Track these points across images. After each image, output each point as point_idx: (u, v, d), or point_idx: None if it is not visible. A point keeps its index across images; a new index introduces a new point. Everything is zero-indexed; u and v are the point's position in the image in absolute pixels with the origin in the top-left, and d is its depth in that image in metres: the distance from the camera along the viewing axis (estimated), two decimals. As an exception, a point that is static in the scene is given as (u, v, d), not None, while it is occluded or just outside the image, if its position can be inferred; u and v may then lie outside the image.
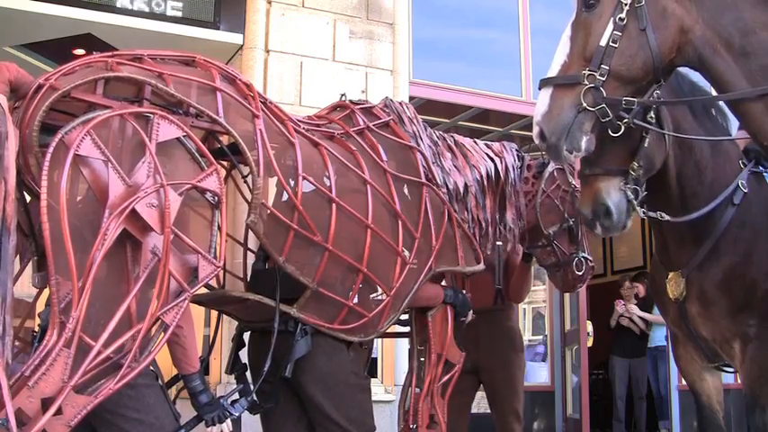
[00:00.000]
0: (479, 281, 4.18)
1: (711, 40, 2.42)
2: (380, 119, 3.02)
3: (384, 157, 2.87)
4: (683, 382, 3.55)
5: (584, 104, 2.43)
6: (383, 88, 6.20)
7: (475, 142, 3.38)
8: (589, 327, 8.23)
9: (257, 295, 2.61)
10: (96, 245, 2.01)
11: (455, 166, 3.13)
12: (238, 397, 2.56)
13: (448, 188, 3.03)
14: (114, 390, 2.06)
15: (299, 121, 2.81)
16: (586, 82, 2.43)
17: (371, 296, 2.79)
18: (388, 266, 2.75)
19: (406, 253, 2.81)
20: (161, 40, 5.76)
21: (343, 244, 2.61)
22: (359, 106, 3.09)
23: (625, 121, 2.49)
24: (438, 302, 2.99)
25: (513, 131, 7.46)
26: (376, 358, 6.03)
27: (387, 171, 2.84)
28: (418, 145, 3.00)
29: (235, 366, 2.86)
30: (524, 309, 8.75)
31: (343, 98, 3.17)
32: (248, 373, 2.86)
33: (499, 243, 4.15)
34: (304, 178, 2.55)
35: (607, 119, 2.45)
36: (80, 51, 6.12)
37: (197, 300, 2.59)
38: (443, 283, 3.19)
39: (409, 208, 2.87)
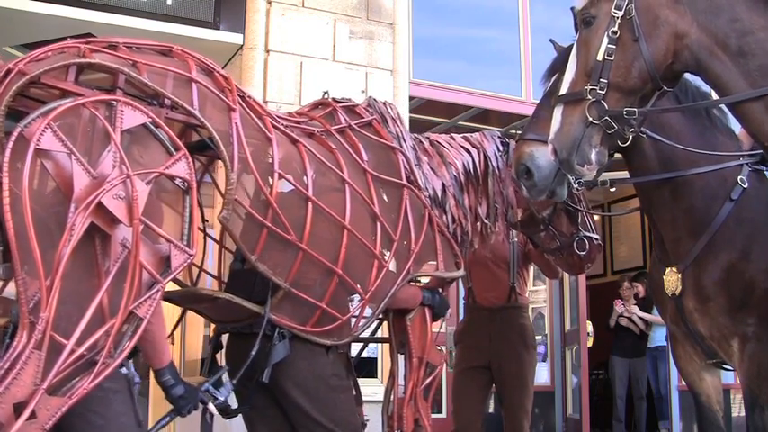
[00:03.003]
0: (493, 278, 4.25)
1: (707, 42, 2.43)
2: (363, 118, 2.97)
3: (365, 157, 2.82)
4: (683, 381, 3.55)
5: (590, 119, 2.50)
6: (383, 88, 6.20)
7: (452, 137, 3.32)
8: (589, 327, 8.23)
9: (228, 294, 2.56)
10: (63, 241, 1.94)
11: (431, 169, 3.08)
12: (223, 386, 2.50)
13: (428, 192, 2.99)
14: (89, 389, 1.99)
15: (278, 117, 2.75)
16: (589, 96, 2.50)
17: (347, 298, 2.74)
18: (364, 268, 2.69)
19: (386, 255, 2.76)
20: (161, 40, 5.75)
21: (318, 244, 2.56)
22: (341, 104, 3.03)
23: (632, 131, 2.56)
24: (415, 304, 2.93)
25: (513, 131, 7.46)
26: (375, 358, 6.05)
27: (367, 171, 2.79)
28: (401, 146, 2.96)
29: (212, 369, 2.77)
30: (524, 309, 8.75)
31: (326, 96, 3.12)
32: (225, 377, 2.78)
33: (511, 240, 4.19)
34: (280, 176, 2.49)
35: (612, 130, 2.52)
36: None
37: (168, 297, 2.54)
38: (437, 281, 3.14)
39: (389, 209, 2.82)
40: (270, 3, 5.91)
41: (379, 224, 2.73)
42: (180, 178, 2.22)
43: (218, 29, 5.86)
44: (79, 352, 1.97)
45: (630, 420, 8.58)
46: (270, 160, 2.49)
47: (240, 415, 2.76)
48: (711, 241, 3.01)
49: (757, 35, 2.38)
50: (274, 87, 5.69)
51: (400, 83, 6.29)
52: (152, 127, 2.20)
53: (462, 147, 3.26)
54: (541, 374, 8.39)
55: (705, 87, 2.82)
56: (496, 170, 3.29)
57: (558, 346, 8.20)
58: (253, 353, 2.48)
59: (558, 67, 3.20)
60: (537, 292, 8.74)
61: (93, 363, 2.01)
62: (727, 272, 2.98)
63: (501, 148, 3.36)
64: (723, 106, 2.84)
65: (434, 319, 3.02)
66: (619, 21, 2.48)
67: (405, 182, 2.87)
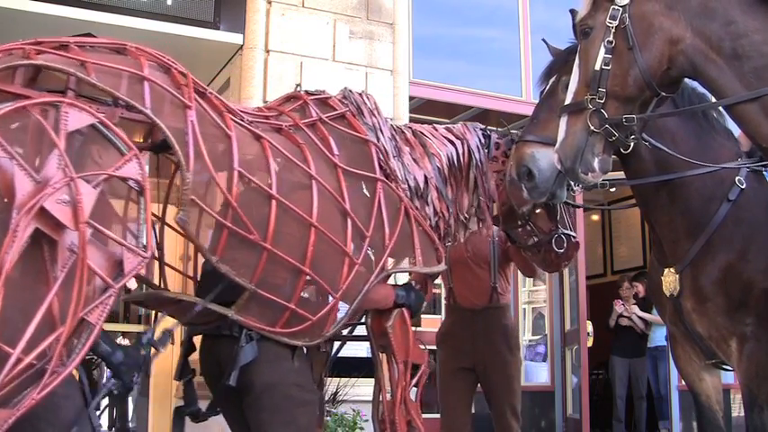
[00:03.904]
0: (475, 278, 4.17)
1: (702, 46, 2.46)
2: (336, 110, 2.87)
3: (335, 151, 2.71)
4: (683, 381, 3.54)
5: (592, 127, 2.56)
6: (383, 88, 6.21)
7: (434, 128, 3.25)
8: (589, 327, 8.24)
9: (191, 296, 2.52)
10: (5, 246, 1.86)
11: (414, 160, 3.00)
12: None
13: (409, 184, 2.91)
14: (37, 399, 1.91)
15: (244, 112, 2.66)
16: (590, 106, 2.56)
17: (318, 298, 2.64)
18: (334, 267, 2.59)
19: (358, 252, 2.65)
20: (161, 40, 5.76)
21: (285, 243, 2.47)
22: (313, 97, 2.94)
23: (633, 137, 2.62)
24: (388, 304, 2.80)
25: (513, 131, 7.45)
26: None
27: (337, 166, 2.69)
28: (378, 139, 2.87)
29: (183, 372, 2.72)
30: (524, 309, 8.75)
31: (299, 89, 3.04)
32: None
33: (491, 239, 4.09)
34: (240, 174, 2.40)
35: (614, 138, 2.57)
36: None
37: (133, 299, 2.50)
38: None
39: (361, 205, 2.72)
40: (270, 3, 5.92)
41: (349, 220, 2.63)
42: (132, 180, 2.14)
43: (218, 29, 5.87)
44: (27, 361, 1.88)
45: (630, 420, 8.58)
46: (229, 158, 2.40)
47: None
48: (709, 242, 3.02)
49: (752, 37, 2.40)
50: (274, 87, 5.69)
51: (400, 83, 6.30)
52: (101, 128, 2.13)
53: (446, 138, 3.19)
54: (541, 374, 8.41)
55: (702, 89, 2.83)
56: (479, 163, 3.23)
57: (558, 346, 8.20)
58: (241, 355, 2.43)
59: (555, 69, 3.21)
60: (537, 292, 8.75)
61: (42, 373, 1.92)
62: (724, 272, 2.99)
63: (483, 141, 3.30)
64: (721, 108, 2.85)
65: (412, 316, 2.91)
66: (614, 30, 2.53)
67: (379, 175, 2.76)
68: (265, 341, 2.50)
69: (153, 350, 2.42)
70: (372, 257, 2.71)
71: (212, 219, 2.40)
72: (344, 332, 3.00)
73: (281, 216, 2.47)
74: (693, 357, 3.31)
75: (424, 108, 6.92)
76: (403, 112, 6.29)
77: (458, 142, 3.20)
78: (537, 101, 3.40)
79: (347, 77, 6.09)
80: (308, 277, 2.52)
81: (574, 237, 3.48)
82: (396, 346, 2.79)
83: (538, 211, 3.42)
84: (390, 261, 2.84)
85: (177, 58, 2.60)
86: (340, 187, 2.64)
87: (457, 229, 3.17)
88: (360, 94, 3.02)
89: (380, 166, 2.81)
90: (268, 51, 5.84)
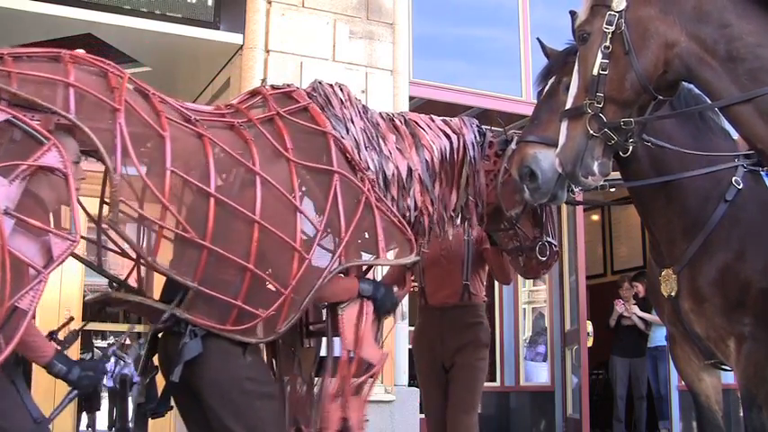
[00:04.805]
0: (447, 276, 4.07)
1: (697, 50, 2.48)
2: (299, 103, 2.84)
3: (289, 145, 2.67)
4: (683, 381, 3.55)
5: (591, 132, 2.60)
6: (383, 88, 6.21)
7: (431, 119, 3.20)
8: (589, 327, 8.24)
9: (137, 296, 2.53)
10: None
11: (398, 149, 2.94)
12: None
13: (385, 174, 2.87)
14: None
15: (195, 111, 2.67)
16: (589, 110, 2.59)
17: (268, 295, 2.58)
18: (283, 262, 2.56)
19: (314, 246, 2.61)
20: (161, 40, 5.78)
21: (228, 240, 2.47)
22: (276, 91, 2.91)
23: (632, 141, 2.65)
24: (351, 297, 2.73)
25: (513, 131, 7.45)
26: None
27: (290, 160, 2.65)
28: (348, 130, 2.82)
29: (146, 369, 2.74)
30: (524, 309, 8.77)
31: (264, 84, 3.04)
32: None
33: (465, 238, 3.99)
34: (172, 172, 2.40)
35: (612, 142, 2.61)
36: (80, 51, 6.14)
37: (97, 300, 2.60)
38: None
39: (314, 198, 2.70)
40: (270, 3, 5.91)
41: (299, 215, 2.60)
42: (54, 169, 2.20)
43: (218, 29, 5.86)
44: None
45: (630, 420, 8.58)
46: (161, 158, 2.41)
47: None
48: (706, 242, 3.03)
49: (746, 40, 2.42)
50: (274, 87, 5.69)
51: (400, 83, 6.30)
52: (17, 122, 2.20)
53: (442, 130, 3.14)
54: (541, 374, 8.42)
55: (698, 90, 2.84)
56: (472, 160, 3.17)
57: (558, 346, 8.21)
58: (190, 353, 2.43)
59: (554, 70, 3.22)
60: (537, 293, 8.76)
61: None
62: (722, 272, 3.00)
63: (478, 138, 3.24)
64: (717, 109, 2.86)
65: (381, 314, 2.84)
66: (611, 36, 2.56)
67: (336, 167, 2.70)
68: (214, 338, 2.49)
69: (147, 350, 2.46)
70: (328, 251, 2.67)
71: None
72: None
73: (221, 213, 2.47)
74: (692, 358, 3.32)
75: (424, 108, 6.90)
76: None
77: (453, 136, 3.15)
78: (536, 101, 3.41)
79: (347, 77, 6.08)
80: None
81: (555, 245, 3.44)
82: (344, 331, 2.72)
83: (525, 215, 3.36)
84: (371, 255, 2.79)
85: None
86: (291, 181, 2.62)
87: (442, 226, 3.10)
88: (331, 86, 2.97)
89: (347, 158, 2.76)
90: (268, 51, 5.84)
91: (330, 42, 6.09)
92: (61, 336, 2.62)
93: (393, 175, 2.90)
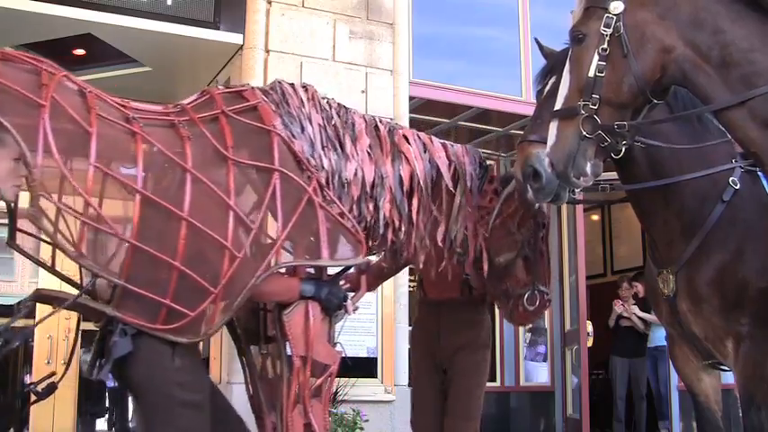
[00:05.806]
0: (445, 268, 3.67)
1: (692, 55, 2.50)
2: (248, 102, 2.82)
3: (230, 143, 2.65)
4: (683, 382, 3.55)
5: (584, 133, 2.59)
6: (383, 88, 6.22)
7: (431, 139, 3.14)
8: (589, 327, 8.25)
9: (65, 293, 2.53)
10: None
11: (368, 153, 2.90)
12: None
13: (340, 175, 2.83)
14: None
15: (134, 109, 2.67)
16: (583, 112, 2.59)
17: (198, 293, 2.53)
18: (213, 261, 2.52)
19: (247, 244, 2.58)
20: (161, 40, 5.78)
21: (154, 238, 2.45)
22: (226, 91, 2.90)
23: (624, 143, 2.65)
24: (292, 297, 2.69)
25: (512, 131, 7.47)
26: (376, 358, 6.05)
27: (228, 158, 2.62)
28: (303, 129, 2.80)
29: (97, 369, 2.67)
30: (524, 309, 8.75)
31: (216, 85, 3.03)
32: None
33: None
34: (96, 168, 2.40)
35: (605, 144, 2.60)
36: (80, 51, 6.15)
37: (35, 299, 2.61)
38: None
39: (249, 197, 2.67)
40: (270, 3, 5.92)
41: (232, 213, 2.56)
42: None
43: (218, 29, 5.87)
44: None
45: (630, 420, 8.58)
46: (86, 153, 2.40)
47: None
48: (704, 242, 3.04)
49: (739, 45, 2.44)
50: (274, 87, 5.69)
51: (400, 83, 6.31)
52: None
53: (437, 154, 3.08)
54: (541, 374, 8.42)
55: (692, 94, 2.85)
56: (468, 192, 3.11)
57: (558, 346, 8.21)
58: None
59: (554, 69, 3.22)
60: (537, 292, 8.73)
61: None
62: (719, 272, 3.00)
63: (479, 171, 3.18)
64: (711, 114, 2.88)
65: (330, 312, 2.78)
66: (608, 38, 2.56)
67: (277, 165, 2.66)
68: (145, 337, 2.46)
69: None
70: (262, 250, 2.63)
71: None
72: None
73: (149, 211, 2.46)
74: (691, 358, 3.33)
75: (424, 108, 6.92)
76: (403, 112, 6.30)
77: (444, 162, 3.09)
78: (535, 101, 3.41)
79: (347, 77, 6.11)
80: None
81: (547, 294, 3.31)
82: (292, 338, 2.68)
83: (516, 261, 3.25)
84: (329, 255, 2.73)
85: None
86: (227, 180, 2.60)
87: (416, 252, 3.03)
88: (292, 85, 2.95)
89: (296, 158, 2.73)
90: (268, 51, 5.85)
91: (330, 42, 6.10)
92: (39, 389, 2.57)
93: (355, 175, 2.86)
